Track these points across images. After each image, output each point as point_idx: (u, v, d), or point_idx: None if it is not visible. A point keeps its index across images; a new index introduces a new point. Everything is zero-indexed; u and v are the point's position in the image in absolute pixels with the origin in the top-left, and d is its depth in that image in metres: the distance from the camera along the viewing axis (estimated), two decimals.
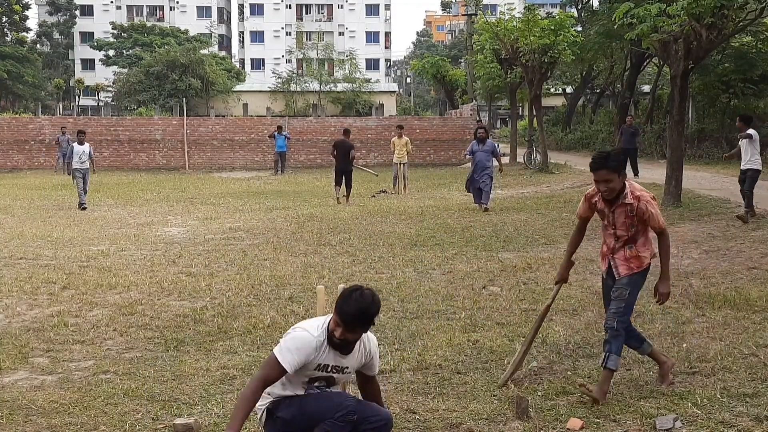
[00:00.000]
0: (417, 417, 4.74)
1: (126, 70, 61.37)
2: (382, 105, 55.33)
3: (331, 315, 3.90)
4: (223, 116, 39.93)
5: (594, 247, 9.43)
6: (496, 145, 16.84)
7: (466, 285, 8.52)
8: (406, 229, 12.95)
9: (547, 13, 37.56)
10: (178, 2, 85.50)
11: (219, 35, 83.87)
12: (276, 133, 28.30)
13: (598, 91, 44.81)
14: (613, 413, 4.70)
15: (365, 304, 3.76)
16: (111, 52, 70.35)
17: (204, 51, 60.17)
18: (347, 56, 61.94)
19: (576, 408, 4.82)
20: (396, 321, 7.01)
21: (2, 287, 8.63)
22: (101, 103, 72.37)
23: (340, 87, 55.44)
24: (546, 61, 24.29)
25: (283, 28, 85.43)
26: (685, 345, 6.08)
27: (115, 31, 71.83)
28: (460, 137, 32.27)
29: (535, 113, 28.89)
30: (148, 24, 74.24)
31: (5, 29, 67.70)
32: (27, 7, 70.39)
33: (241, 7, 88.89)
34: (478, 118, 34.67)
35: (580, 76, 40.73)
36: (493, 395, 5.08)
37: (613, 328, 4.94)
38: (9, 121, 33.23)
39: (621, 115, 31.58)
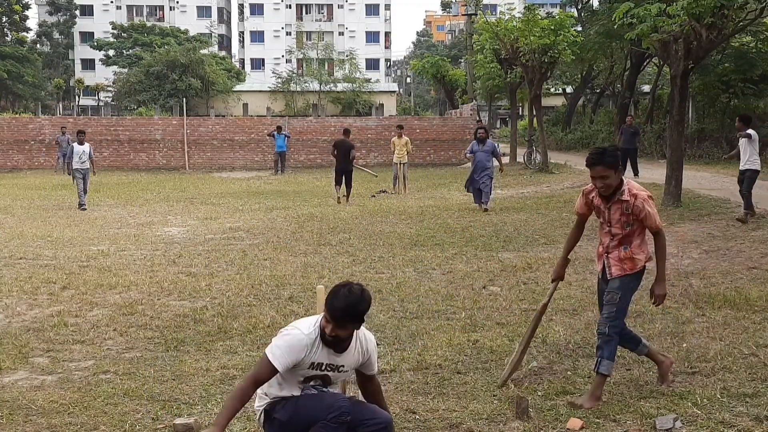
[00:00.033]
0: (417, 417, 4.74)
1: (126, 70, 61.40)
2: (382, 105, 55.35)
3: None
4: (223, 116, 39.94)
5: (594, 246, 9.40)
6: (496, 145, 16.84)
7: (466, 285, 8.52)
8: (406, 229, 12.95)
9: (547, 13, 37.56)
10: (178, 2, 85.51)
11: (219, 35, 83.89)
12: (275, 133, 28.29)
13: (598, 91, 44.81)
14: (613, 413, 4.70)
15: (354, 300, 3.72)
16: (111, 52, 70.37)
17: (204, 51, 60.18)
18: (347, 56, 61.95)
19: (576, 408, 4.81)
20: (396, 321, 7.01)
21: (2, 287, 8.63)
22: (101, 103, 72.38)
23: (340, 87, 55.46)
24: (546, 61, 24.29)
25: (283, 28, 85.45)
26: (685, 345, 6.08)
27: (115, 31, 71.85)
28: (460, 137, 32.28)
29: (535, 113, 28.89)
30: (148, 24, 74.26)
31: (5, 29, 67.72)
32: (27, 7, 70.42)
33: (241, 7, 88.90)
34: (478, 118, 34.68)
35: (580, 76, 40.73)
36: (493, 395, 5.08)
37: (604, 334, 4.89)
38: (9, 121, 33.23)
39: (621, 115, 31.58)
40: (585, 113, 46.94)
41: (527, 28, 23.86)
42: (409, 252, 10.71)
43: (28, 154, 31.87)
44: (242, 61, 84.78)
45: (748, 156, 12.48)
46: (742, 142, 12.57)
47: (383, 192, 20.07)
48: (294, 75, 58.91)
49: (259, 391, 4.03)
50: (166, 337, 6.61)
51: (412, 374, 5.54)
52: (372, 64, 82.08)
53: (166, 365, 5.84)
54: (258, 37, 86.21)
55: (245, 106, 52.69)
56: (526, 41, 23.61)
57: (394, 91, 63.63)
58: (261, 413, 4.01)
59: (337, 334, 3.79)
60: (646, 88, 43.07)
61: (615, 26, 17.48)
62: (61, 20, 77.81)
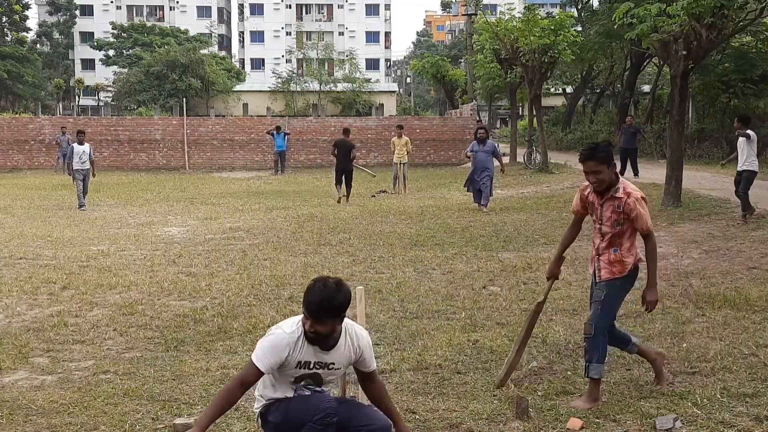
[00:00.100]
0: (417, 417, 4.74)
1: (126, 70, 61.41)
2: (382, 105, 55.35)
3: None
4: (223, 116, 39.94)
5: None
6: (496, 145, 16.84)
7: (466, 285, 8.52)
8: (406, 229, 12.95)
9: (547, 13, 37.56)
10: (178, 2, 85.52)
11: (219, 35, 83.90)
12: (275, 133, 28.29)
13: (598, 91, 44.81)
14: (613, 413, 4.70)
15: (329, 294, 3.66)
16: (111, 52, 70.38)
17: (204, 51, 60.18)
18: (347, 56, 61.95)
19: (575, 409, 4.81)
20: (396, 321, 7.01)
21: (2, 287, 8.63)
22: (101, 103, 72.39)
23: (340, 87, 55.47)
24: (546, 61, 24.29)
25: (283, 28, 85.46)
26: (685, 345, 6.08)
27: (115, 31, 71.85)
28: (460, 137, 32.29)
29: (535, 113, 28.89)
30: (148, 24, 74.27)
31: (5, 29, 67.73)
32: (27, 7, 70.43)
33: (241, 7, 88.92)
34: (478, 118, 34.69)
35: (580, 76, 40.73)
36: (493, 395, 5.08)
37: (590, 335, 4.86)
38: (9, 121, 33.24)
39: (621, 115, 31.60)
40: (585, 113, 46.94)
41: (527, 28, 23.86)
42: (409, 252, 10.71)
43: (28, 154, 31.88)
44: (242, 61, 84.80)
45: (746, 157, 12.44)
46: (741, 142, 12.54)
47: (383, 192, 20.08)
48: (294, 75, 58.91)
49: (255, 393, 4.03)
50: (166, 337, 6.61)
51: (412, 374, 5.54)
52: (372, 64, 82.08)
53: (166, 365, 5.84)
54: (258, 37, 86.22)
55: (245, 106, 52.70)
56: (526, 41, 23.61)
57: (394, 91, 63.63)
58: (258, 416, 4.00)
59: (316, 330, 3.72)
60: (646, 88, 43.07)
61: (615, 26, 17.48)
62: (61, 20, 77.82)
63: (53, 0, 76.64)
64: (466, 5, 42.61)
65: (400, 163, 20.50)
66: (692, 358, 5.74)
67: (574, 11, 38.72)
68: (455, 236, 12.15)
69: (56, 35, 77.63)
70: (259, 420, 4.00)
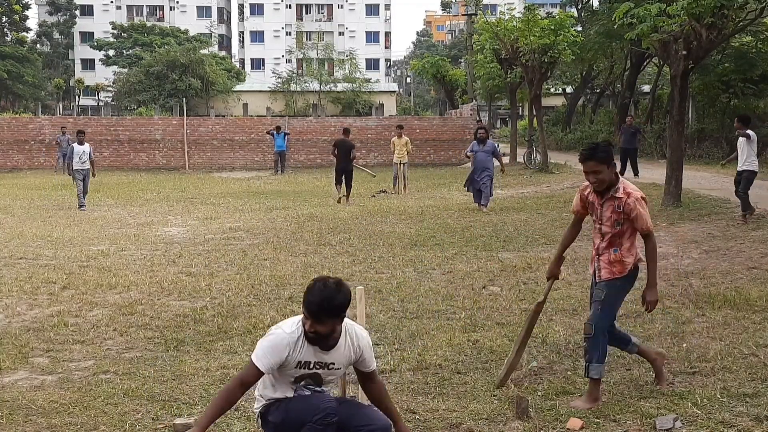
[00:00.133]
0: (417, 417, 4.74)
1: (126, 70, 61.42)
2: (382, 105, 55.36)
3: None
4: (223, 116, 39.95)
5: None
6: (496, 145, 16.84)
7: (466, 285, 8.52)
8: (406, 229, 12.95)
9: (547, 13, 37.58)
10: (178, 2, 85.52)
11: (219, 35, 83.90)
12: (275, 132, 28.29)
13: (598, 91, 44.82)
14: (613, 413, 4.70)
15: (329, 294, 3.66)
16: (111, 52, 70.39)
17: (204, 51, 60.19)
18: (347, 56, 61.96)
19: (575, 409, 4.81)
20: (396, 321, 7.01)
21: (2, 287, 8.63)
22: (101, 103, 72.40)
23: (340, 87, 55.47)
24: (546, 61, 24.29)
25: (283, 28, 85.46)
26: (685, 345, 6.08)
27: (115, 31, 71.87)
28: (460, 137, 32.29)
29: (535, 113, 28.89)
30: (148, 24, 74.28)
31: (5, 29, 67.73)
32: (27, 7, 70.43)
33: (241, 7, 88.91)
34: (478, 118, 34.69)
35: (580, 76, 40.74)
36: (493, 395, 5.08)
37: (590, 335, 4.86)
38: (9, 121, 33.24)
39: (621, 115, 31.60)
40: (585, 113, 46.95)
41: (527, 28, 23.86)
42: (409, 252, 10.71)
43: (28, 154, 31.88)
44: (242, 61, 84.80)
45: (746, 157, 12.44)
46: (741, 142, 12.53)
47: (383, 192, 20.08)
48: (294, 75, 58.92)
49: (256, 393, 4.03)
50: (166, 337, 6.61)
51: (412, 374, 5.54)
52: (372, 64, 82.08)
53: (166, 365, 5.84)
54: (258, 37, 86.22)
55: (245, 106, 52.71)
56: (526, 41, 23.61)
57: (394, 91, 63.64)
58: (258, 416, 4.00)
59: (316, 330, 3.72)
60: (646, 88, 43.07)
61: (615, 26, 17.48)
62: (61, 20, 77.83)
63: (53, 0, 76.64)
64: (466, 5, 42.61)
65: (400, 163, 20.50)
66: (692, 358, 5.74)
67: (574, 11, 38.72)
68: (455, 236, 12.15)
69: (56, 35, 77.64)
70: (259, 420, 4.00)
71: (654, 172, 20.23)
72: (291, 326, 3.83)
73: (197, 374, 5.60)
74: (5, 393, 5.25)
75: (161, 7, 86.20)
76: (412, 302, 7.70)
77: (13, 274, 9.40)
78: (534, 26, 23.79)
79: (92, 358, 6.06)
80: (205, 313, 7.38)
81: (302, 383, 3.89)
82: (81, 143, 17.39)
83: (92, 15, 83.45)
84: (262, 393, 3.96)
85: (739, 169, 12.60)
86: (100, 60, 73.06)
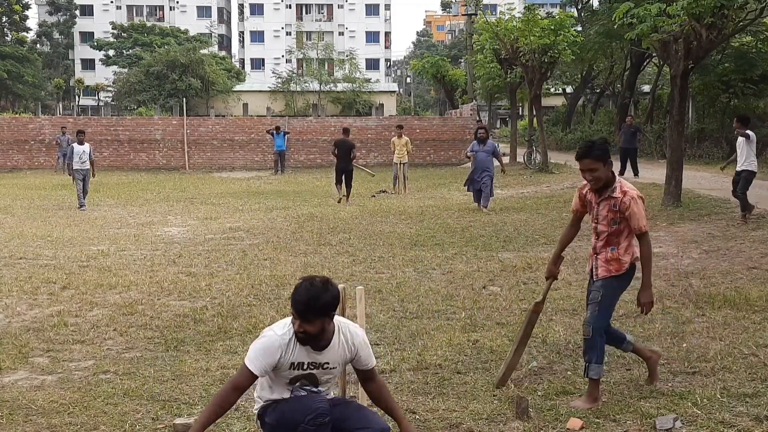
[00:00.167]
0: (417, 417, 4.73)
1: (126, 70, 61.43)
2: (382, 105, 55.37)
3: None
4: (223, 116, 39.95)
5: None
6: (496, 145, 16.84)
7: (466, 285, 8.52)
8: (406, 229, 12.95)
9: (547, 13, 37.56)
10: (178, 2, 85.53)
11: (219, 35, 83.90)
12: (275, 132, 28.29)
13: (598, 91, 44.81)
14: (613, 413, 4.70)
15: (315, 293, 3.64)
16: (111, 52, 70.39)
17: (204, 51, 60.19)
18: (347, 56, 61.96)
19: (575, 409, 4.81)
20: (396, 321, 7.01)
21: (2, 287, 8.63)
22: (101, 103, 72.41)
23: (340, 87, 55.48)
24: (546, 61, 24.29)
25: (283, 28, 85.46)
26: (685, 345, 6.08)
27: (115, 31, 71.87)
28: (460, 137, 32.30)
29: (535, 113, 28.90)
30: (148, 24, 74.29)
31: (5, 29, 67.74)
32: (27, 7, 70.45)
33: (241, 7, 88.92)
34: (478, 118, 34.69)
35: (580, 76, 40.73)
36: (493, 395, 5.08)
37: (589, 336, 4.86)
38: (9, 121, 33.24)
39: (621, 115, 31.59)
40: (585, 113, 46.94)
41: (527, 28, 23.86)
42: (409, 252, 10.71)
43: (28, 154, 31.88)
44: (242, 61, 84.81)
45: (745, 157, 12.43)
46: (740, 142, 12.53)
47: (383, 192, 20.08)
48: (294, 75, 58.93)
49: (255, 395, 4.03)
50: (166, 337, 6.61)
51: (412, 374, 5.54)
52: (372, 64, 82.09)
53: (166, 365, 5.84)
54: (258, 37, 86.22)
55: (245, 106, 52.72)
56: (526, 41, 23.61)
57: (394, 91, 63.64)
58: (257, 417, 4.00)
59: (305, 329, 3.69)
60: (646, 88, 43.07)
61: (615, 26, 17.48)
62: (61, 20, 77.84)
63: (53, 0, 76.63)
64: (466, 5, 42.61)
65: (400, 163, 20.50)
66: (692, 358, 5.74)
67: (574, 11, 38.71)
68: (455, 236, 12.15)
69: (56, 35, 77.66)
70: (258, 421, 4.00)
71: (654, 172, 20.23)
72: (282, 328, 3.82)
73: (197, 374, 5.60)
74: (5, 393, 5.25)
75: (161, 7, 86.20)
76: (412, 302, 7.70)
77: (13, 274, 9.40)
78: (534, 26, 23.80)
79: (92, 358, 6.06)
80: (205, 313, 7.38)
81: (298, 384, 3.88)
82: (81, 143, 17.39)
83: (92, 15, 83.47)
84: (260, 394, 3.96)
85: (738, 168, 12.60)
86: (100, 60, 73.07)
